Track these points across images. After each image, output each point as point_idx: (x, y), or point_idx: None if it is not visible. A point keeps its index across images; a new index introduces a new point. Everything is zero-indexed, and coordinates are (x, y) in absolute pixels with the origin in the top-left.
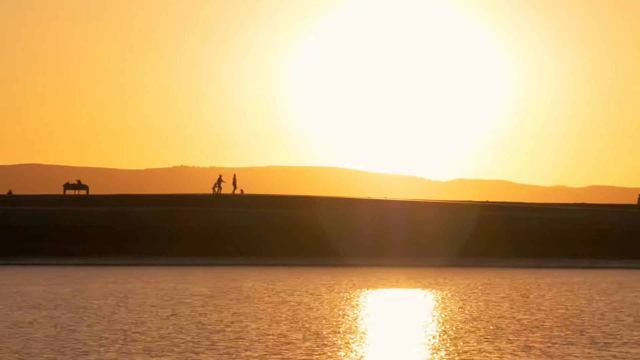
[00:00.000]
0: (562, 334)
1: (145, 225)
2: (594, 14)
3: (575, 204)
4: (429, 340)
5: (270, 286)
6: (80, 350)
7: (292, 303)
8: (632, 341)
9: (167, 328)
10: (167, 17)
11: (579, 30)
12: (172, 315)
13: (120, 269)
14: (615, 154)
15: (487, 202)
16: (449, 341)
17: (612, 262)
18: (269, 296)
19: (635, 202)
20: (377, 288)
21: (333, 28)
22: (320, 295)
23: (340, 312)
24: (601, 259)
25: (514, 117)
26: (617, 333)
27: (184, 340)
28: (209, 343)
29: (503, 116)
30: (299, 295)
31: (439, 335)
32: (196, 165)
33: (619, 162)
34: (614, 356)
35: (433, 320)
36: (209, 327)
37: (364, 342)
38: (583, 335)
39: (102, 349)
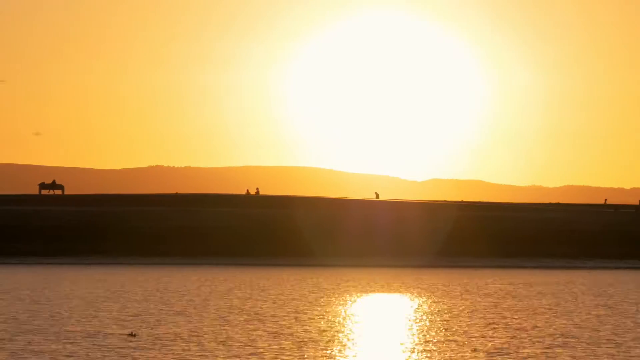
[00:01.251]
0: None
1: (121, 224)
2: (563, 17)
3: (550, 204)
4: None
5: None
6: None
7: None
8: None
9: None
10: (147, 22)
11: (550, 33)
12: None
13: (92, 268)
14: (590, 154)
15: (455, 201)
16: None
17: (587, 262)
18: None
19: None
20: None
21: (314, 36)
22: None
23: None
24: (576, 259)
25: (489, 118)
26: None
27: None
28: None
29: (478, 117)
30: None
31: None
32: (172, 165)
33: (594, 162)
34: None
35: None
36: None
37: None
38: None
39: None
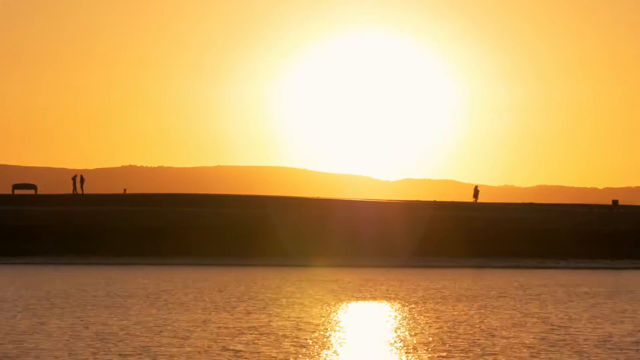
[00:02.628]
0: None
1: (94, 225)
2: (525, 30)
3: (523, 204)
4: None
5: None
6: None
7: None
8: None
9: None
10: (124, 25)
11: (517, 32)
12: None
13: (64, 268)
14: (563, 153)
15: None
16: None
17: (560, 262)
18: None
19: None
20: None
21: (291, 46)
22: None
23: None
24: (549, 259)
25: (461, 117)
26: None
27: None
28: None
29: (450, 116)
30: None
31: None
32: (145, 165)
33: (567, 161)
34: None
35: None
36: None
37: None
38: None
39: None
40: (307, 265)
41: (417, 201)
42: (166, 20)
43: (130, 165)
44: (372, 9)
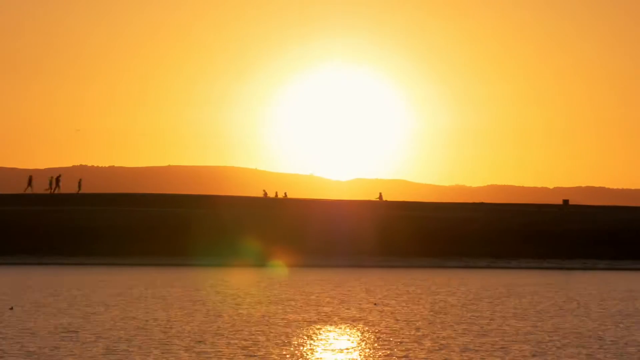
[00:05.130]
0: None
1: (44, 224)
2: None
3: (474, 203)
4: None
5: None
6: None
7: None
8: None
9: None
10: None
11: (450, 32)
12: None
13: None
14: (514, 153)
15: (376, 199)
16: None
17: (511, 262)
18: None
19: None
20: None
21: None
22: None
23: None
24: (500, 258)
25: (411, 116)
26: None
27: None
28: None
29: (401, 115)
30: None
31: None
32: (95, 165)
33: (518, 161)
34: None
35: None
36: None
37: None
38: None
39: None
40: (257, 265)
41: (369, 201)
42: (122, 22)
43: (81, 165)
44: (341, 48)
